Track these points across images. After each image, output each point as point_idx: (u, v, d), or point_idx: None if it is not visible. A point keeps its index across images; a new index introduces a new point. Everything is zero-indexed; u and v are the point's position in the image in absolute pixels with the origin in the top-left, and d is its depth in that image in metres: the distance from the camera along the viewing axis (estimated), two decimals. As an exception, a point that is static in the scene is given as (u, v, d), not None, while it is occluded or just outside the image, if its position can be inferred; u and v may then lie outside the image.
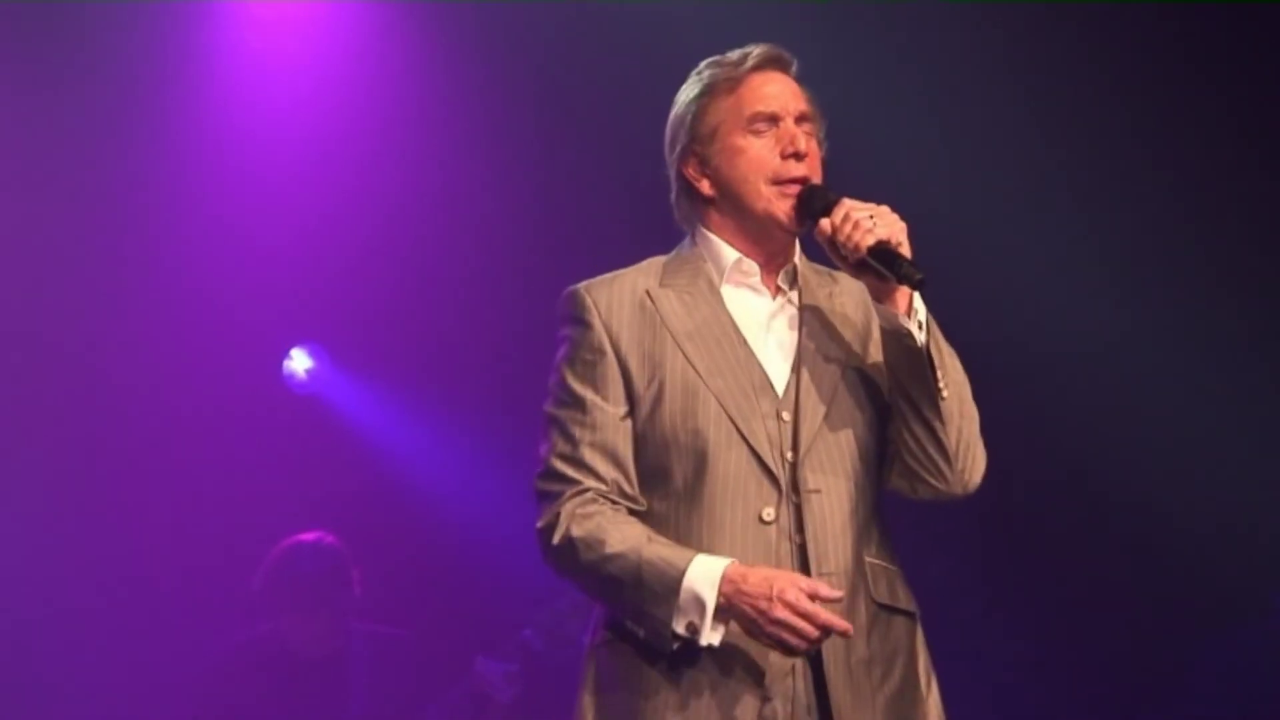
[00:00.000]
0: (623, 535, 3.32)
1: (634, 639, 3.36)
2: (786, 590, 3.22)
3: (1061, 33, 6.27)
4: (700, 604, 3.26)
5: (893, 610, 3.44)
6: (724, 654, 3.32)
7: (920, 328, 3.39)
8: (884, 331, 3.43)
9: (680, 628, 3.27)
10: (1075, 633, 6.31)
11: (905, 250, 3.37)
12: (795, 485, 3.39)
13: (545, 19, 6.32)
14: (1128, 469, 6.17)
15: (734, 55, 3.53)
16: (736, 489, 3.37)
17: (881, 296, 3.40)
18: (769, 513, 3.37)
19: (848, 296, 3.53)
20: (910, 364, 3.40)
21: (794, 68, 3.54)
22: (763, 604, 3.22)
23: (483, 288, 6.62)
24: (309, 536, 5.94)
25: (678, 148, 3.52)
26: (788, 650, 3.25)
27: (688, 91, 3.53)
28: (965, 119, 6.26)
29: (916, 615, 3.50)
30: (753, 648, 3.32)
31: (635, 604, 3.31)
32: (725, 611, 3.26)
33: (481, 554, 6.52)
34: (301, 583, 5.86)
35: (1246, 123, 6.22)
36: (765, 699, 3.32)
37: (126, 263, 6.49)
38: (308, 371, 6.85)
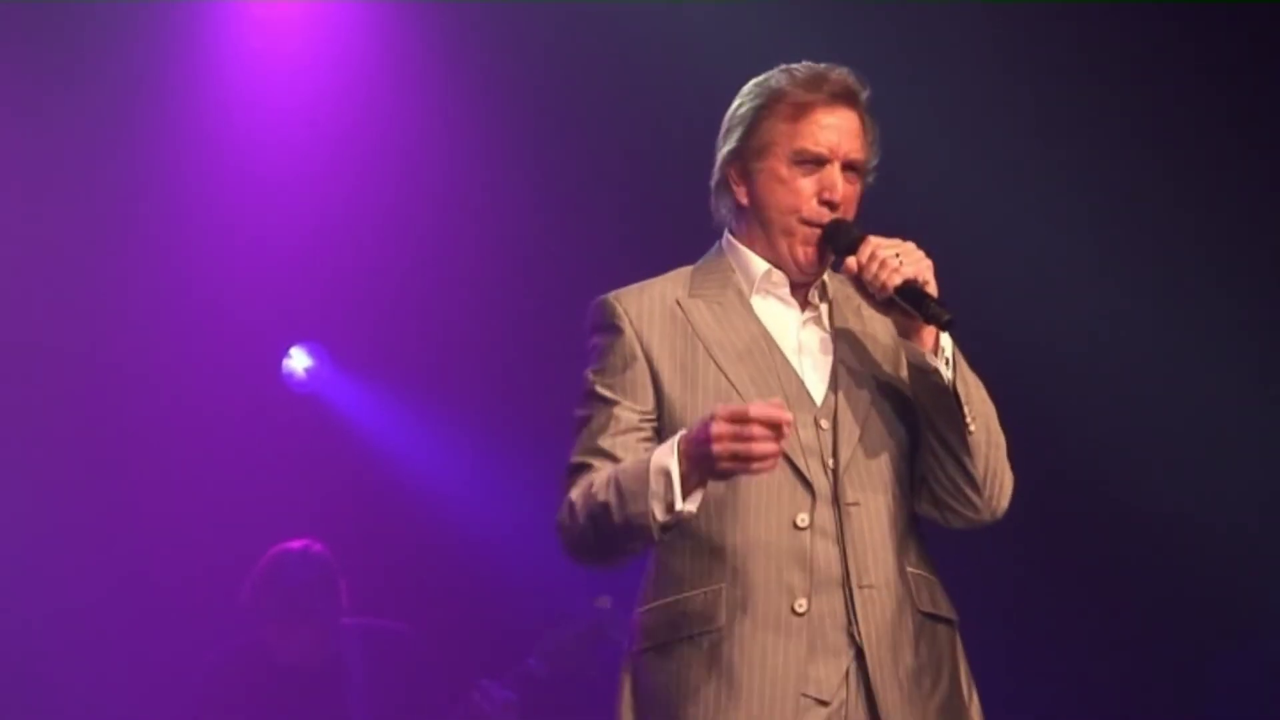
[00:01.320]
0: (605, 471, 3.32)
1: (675, 645, 3.38)
2: (717, 411, 3.17)
3: (1061, 32, 6.27)
4: (667, 474, 3.21)
5: (935, 619, 3.46)
6: (767, 664, 3.32)
7: (947, 364, 3.40)
8: (911, 366, 3.43)
9: (660, 512, 3.22)
10: (1101, 640, 6.30)
11: (932, 289, 3.38)
12: (835, 493, 3.39)
13: (549, 19, 6.32)
14: (1147, 475, 6.16)
15: (807, 74, 3.48)
16: (770, 496, 3.38)
17: (908, 333, 3.41)
18: (803, 518, 3.37)
19: (875, 314, 3.54)
20: (937, 400, 3.41)
21: (864, 97, 3.52)
22: (703, 437, 3.16)
23: (483, 287, 6.61)
24: (296, 545, 5.91)
25: (727, 146, 3.53)
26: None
27: (751, 96, 3.51)
28: (966, 120, 6.26)
29: (956, 623, 3.52)
30: (795, 657, 3.33)
31: (621, 516, 3.26)
32: (691, 473, 3.21)
33: (482, 552, 6.52)
34: (289, 592, 5.82)
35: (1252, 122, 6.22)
36: (812, 707, 3.32)
37: (126, 261, 6.48)
38: (307, 370, 6.83)
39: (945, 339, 3.41)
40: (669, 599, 3.40)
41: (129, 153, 6.42)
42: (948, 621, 3.49)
